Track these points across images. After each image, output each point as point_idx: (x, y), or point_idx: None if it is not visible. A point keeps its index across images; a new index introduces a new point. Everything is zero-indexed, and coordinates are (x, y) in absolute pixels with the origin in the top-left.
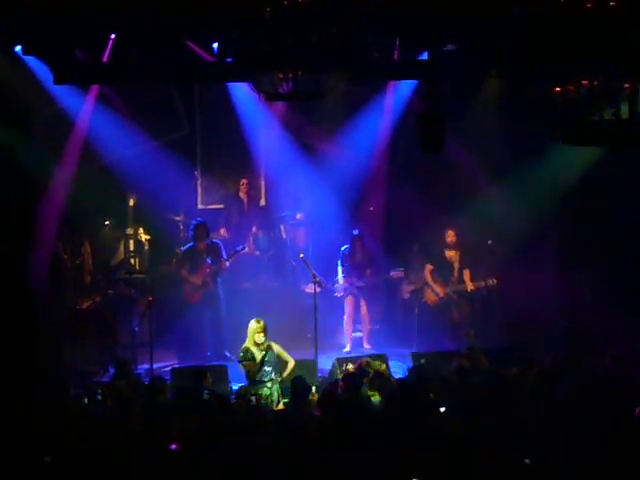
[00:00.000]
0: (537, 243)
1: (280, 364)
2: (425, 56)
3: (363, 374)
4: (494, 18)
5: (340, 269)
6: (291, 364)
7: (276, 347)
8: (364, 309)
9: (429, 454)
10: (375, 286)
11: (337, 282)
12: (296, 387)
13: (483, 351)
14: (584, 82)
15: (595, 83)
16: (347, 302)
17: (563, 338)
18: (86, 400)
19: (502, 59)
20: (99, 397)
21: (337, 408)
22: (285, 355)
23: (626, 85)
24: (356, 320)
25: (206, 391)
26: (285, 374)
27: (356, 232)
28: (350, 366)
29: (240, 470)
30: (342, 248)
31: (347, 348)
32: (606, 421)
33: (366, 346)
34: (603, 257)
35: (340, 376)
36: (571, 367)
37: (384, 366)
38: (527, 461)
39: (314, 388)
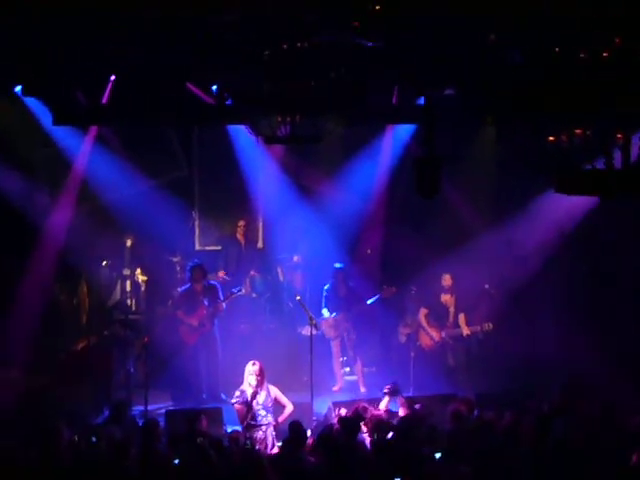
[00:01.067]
0: (535, 289)
1: (277, 408)
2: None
3: (359, 419)
4: (490, 65)
5: (325, 310)
6: (289, 409)
7: (274, 390)
8: (351, 351)
9: None
10: (368, 326)
11: (321, 323)
12: (294, 432)
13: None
14: (577, 131)
15: (588, 133)
16: (333, 345)
17: (557, 385)
18: (78, 441)
19: (497, 106)
20: (93, 440)
21: (333, 452)
22: (283, 399)
23: (619, 135)
24: (349, 363)
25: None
26: (281, 418)
27: (338, 265)
28: (343, 410)
29: None
30: (325, 287)
31: (337, 387)
32: (600, 469)
33: (362, 389)
34: (600, 305)
35: (335, 420)
36: (564, 413)
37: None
38: None
39: (309, 432)
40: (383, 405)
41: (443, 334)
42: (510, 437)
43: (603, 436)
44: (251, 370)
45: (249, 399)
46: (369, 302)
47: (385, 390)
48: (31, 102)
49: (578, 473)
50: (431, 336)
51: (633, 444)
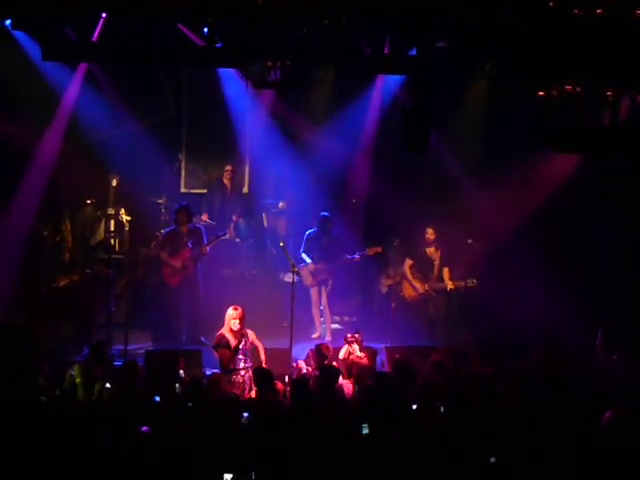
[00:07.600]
0: (518, 245)
1: (254, 351)
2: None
3: (323, 356)
4: (484, 17)
5: (305, 256)
6: (262, 350)
7: (251, 334)
8: (325, 300)
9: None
10: (349, 276)
11: (301, 268)
12: (258, 375)
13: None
14: (567, 87)
15: (578, 89)
16: (313, 292)
17: (536, 342)
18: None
19: (490, 59)
20: (72, 374)
21: (306, 398)
22: (257, 342)
23: (608, 93)
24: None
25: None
26: (263, 361)
27: (325, 214)
28: (301, 363)
29: (209, 454)
30: (307, 232)
31: (316, 334)
32: (571, 431)
33: (328, 338)
34: (583, 262)
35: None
36: (540, 372)
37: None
38: (492, 460)
39: (287, 377)
40: (342, 354)
41: (427, 286)
42: (488, 390)
43: (576, 395)
44: (234, 314)
45: (228, 344)
46: (352, 257)
47: (349, 339)
48: (20, 36)
49: (548, 430)
50: (415, 287)
51: (606, 404)
